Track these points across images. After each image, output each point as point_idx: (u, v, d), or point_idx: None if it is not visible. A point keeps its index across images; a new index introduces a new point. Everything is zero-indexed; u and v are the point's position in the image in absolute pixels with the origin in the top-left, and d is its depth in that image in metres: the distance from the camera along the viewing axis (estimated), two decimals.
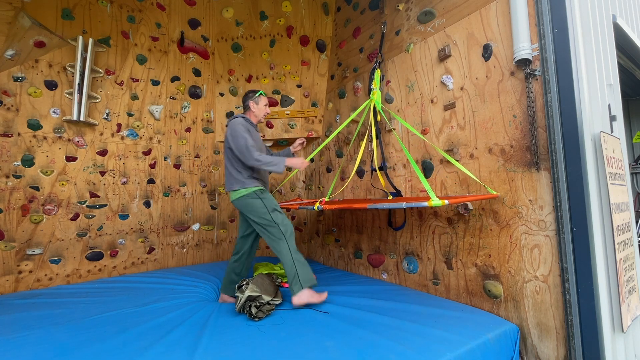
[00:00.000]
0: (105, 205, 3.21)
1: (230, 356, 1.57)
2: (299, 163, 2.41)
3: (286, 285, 2.84)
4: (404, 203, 1.86)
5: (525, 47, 1.84)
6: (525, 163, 1.91)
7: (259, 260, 3.80)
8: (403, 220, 2.70)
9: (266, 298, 2.12)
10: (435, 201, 1.70)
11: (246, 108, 2.57)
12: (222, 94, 4.00)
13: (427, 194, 1.90)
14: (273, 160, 2.30)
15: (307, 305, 2.22)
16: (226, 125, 2.44)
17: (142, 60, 3.46)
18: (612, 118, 2.00)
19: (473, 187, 2.19)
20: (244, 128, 2.36)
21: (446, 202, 1.69)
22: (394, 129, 2.79)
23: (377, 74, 2.81)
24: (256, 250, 2.70)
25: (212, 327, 1.92)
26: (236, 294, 2.18)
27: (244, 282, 2.29)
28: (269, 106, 3.95)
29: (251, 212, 2.36)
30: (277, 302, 2.22)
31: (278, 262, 3.34)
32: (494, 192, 2.00)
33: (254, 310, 2.02)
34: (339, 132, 3.63)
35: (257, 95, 2.55)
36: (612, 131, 1.99)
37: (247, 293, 2.08)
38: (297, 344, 1.67)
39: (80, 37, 2.99)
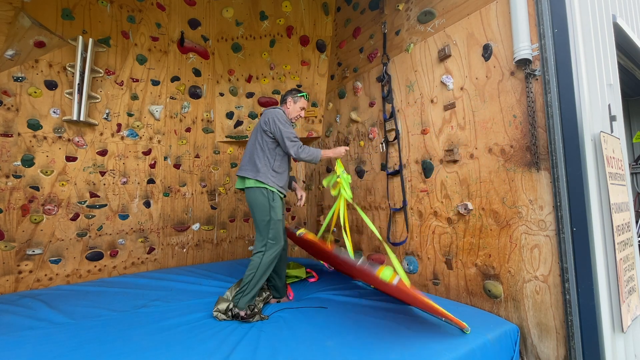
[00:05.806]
0: (105, 205, 3.21)
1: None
2: (340, 151, 2.39)
3: (312, 280, 2.97)
4: (362, 259, 1.85)
5: (525, 47, 1.84)
6: (525, 163, 1.91)
7: None
8: (405, 234, 2.69)
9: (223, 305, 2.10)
10: (385, 274, 1.71)
11: (283, 101, 2.52)
12: (222, 94, 4.00)
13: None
14: (312, 152, 2.29)
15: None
16: (260, 114, 2.31)
17: (142, 60, 3.46)
18: (612, 118, 2.00)
19: (473, 187, 2.19)
20: (286, 118, 2.36)
21: (395, 281, 1.69)
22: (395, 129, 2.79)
23: (338, 162, 2.46)
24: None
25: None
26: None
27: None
28: (269, 106, 3.98)
29: (254, 206, 2.29)
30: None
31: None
32: (464, 325, 1.74)
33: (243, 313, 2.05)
34: (338, 133, 3.63)
35: (299, 95, 2.51)
36: (612, 131, 1.99)
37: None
38: (297, 344, 1.67)
39: (80, 37, 2.99)
